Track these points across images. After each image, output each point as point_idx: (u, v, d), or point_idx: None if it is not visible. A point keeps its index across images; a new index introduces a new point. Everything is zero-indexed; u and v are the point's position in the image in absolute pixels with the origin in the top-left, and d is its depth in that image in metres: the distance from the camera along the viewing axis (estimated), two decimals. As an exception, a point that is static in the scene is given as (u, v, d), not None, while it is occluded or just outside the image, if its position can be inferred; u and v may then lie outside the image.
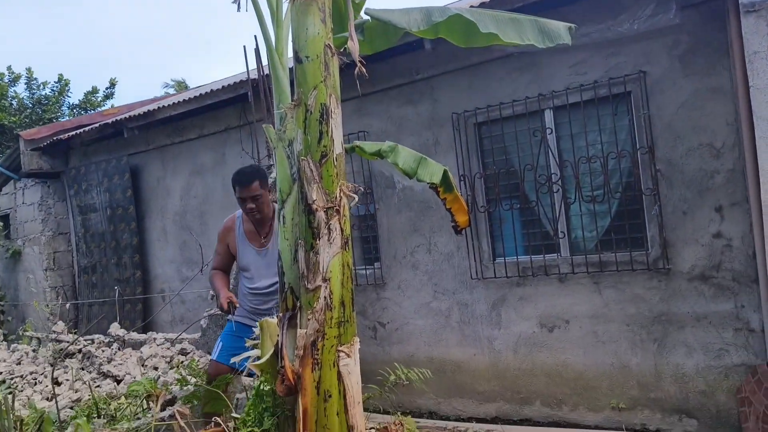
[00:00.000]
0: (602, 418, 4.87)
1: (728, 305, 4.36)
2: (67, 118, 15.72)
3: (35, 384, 6.96)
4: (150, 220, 8.43)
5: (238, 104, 6.89)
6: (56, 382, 6.76)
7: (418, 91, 5.71)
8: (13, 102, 16.58)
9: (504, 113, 5.20)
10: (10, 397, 3.74)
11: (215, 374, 3.78)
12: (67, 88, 18.04)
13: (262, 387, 2.75)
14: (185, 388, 4.45)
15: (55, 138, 9.08)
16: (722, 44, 4.29)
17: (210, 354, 4.86)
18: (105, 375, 6.70)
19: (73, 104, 18.40)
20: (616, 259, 4.76)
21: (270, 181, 3.92)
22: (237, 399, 3.85)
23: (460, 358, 5.54)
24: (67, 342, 7.53)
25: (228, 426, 2.75)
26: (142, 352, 6.83)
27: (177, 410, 2.78)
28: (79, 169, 9.30)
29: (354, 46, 2.64)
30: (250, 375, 3.85)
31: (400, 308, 5.88)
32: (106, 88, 18.96)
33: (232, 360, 3.44)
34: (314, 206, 2.55)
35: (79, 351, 7.47)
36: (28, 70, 17.52)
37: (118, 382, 6.42)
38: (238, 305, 3.82)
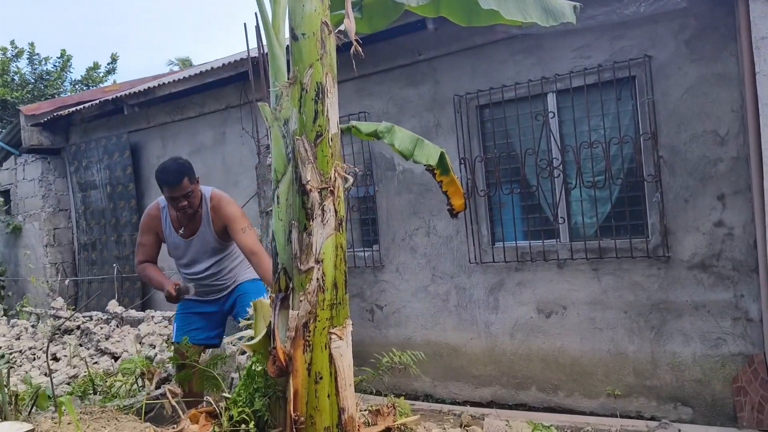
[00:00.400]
0: (597, 405, 4.86)
1: (727, 294, 4.33)
2: (69, 94, 15.64)
3: (34, 359, 6.99)
4: (150, 198, 8.40)
5: (238, 82, 6.83)
6: (54, 358, 6.79)
7: (420, 72, 5.64)
8: (15, 77, 16.50)
9: (506, 96, 5.14)
10: (5, 371, 3.73)
11: (181, 355, 3.78)
12: (69, 64, 17.94)
13: (253, 367, 2.73)
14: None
15: (55, 114, 9.03)
16: (730, 29, 4.21)
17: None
18: (103, 352, 6.72)
19: (75, 80, 18.32)
20: (615, 246, 4.72)
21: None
22: (231, 379, 3.86)
23: (456, 342, 5.54)
24: (66, 318, 7.54)
25: (219, 406, 2.73)
26: (139, 330, 6.85)
27: (168, 389, 2.77)
28: (79, 146, 9.26)
29: (350, 24, 2.59)
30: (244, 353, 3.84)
31: (397, 291, 5.86)
32: (108, 64, 18.88)
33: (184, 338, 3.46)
34: (308, 187, 2.51)
35: (78, 327, 7.49)
36: (31, 45, 17.44)
37: (116, 359, 6.44)
38: (186, 286, 3.78)
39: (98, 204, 9.08)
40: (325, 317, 2.54)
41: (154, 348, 6.33)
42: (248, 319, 3.11)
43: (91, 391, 4.70)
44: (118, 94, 8.28)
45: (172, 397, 2.73)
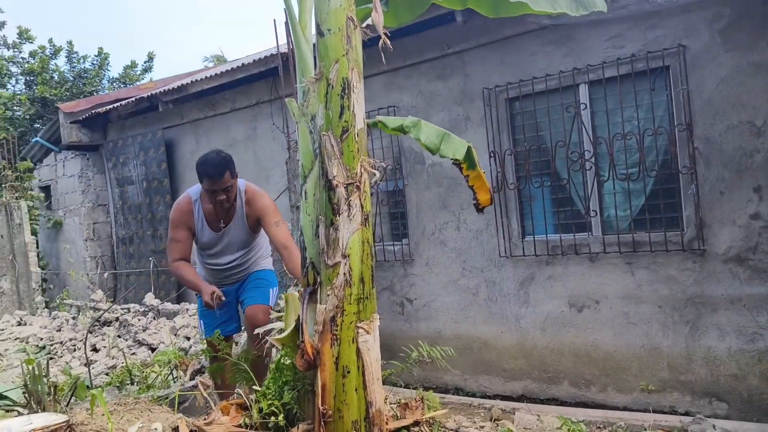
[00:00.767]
0: (631, 400, 4.80)
1: (764, 288, 4.23)
2: (107, 91, 15.97)
3: (74, 350, 7.19)
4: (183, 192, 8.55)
5: (269, 78, 6.89)
6: (94, 349, 6.98)
7: (449, 65, 5.61)
8: (54, 75, 16.90)
9: (537, 88, 5.08)
10: (44, 362, 3.86)
11: (214, 348, 3.82)
12: (106, 62, 18.30)
13: (282, 361, 2.77)
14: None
15: (93, 111, 9.25)
16: (766, 18, 4.09)
17: None
18: (140, 343, 6.89)
19: (112, 78, 18.70)
20: (649, 239, 4.64)
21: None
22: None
23: (487, 335, 5.52)
24: (104, 310, 7.74)
25: (249, 398, 2.78)
26: (174, 322, 6.99)
27: (200, 381, 2.83)
28: (116, 142, 9.47)
29: (378, 17, 2.58)
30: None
31: (427, 285, 5.86)
32: (145, 62, 19.21)
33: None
34: (334, 182, 2.53)
35: (117, 319, 7.69)
36: (69, 43, 17.83)
37: (153, 350, 6.59)
38: (223, 298, 3.69)
39: (135, 199, 9.28)
40: (353, 311, 2.56)
41: (189, 340, 6.46)
42: (279, 311, 3.15)
43: (129, 382, 4.83)
44: (153, 92, 8.44)
45: (204, 389, 2.79)
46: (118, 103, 8.98)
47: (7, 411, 3.69)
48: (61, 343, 7.50)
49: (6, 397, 4.11)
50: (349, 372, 2.55)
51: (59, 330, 8.13)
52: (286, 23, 5.88)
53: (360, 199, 2.57)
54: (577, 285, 5.02)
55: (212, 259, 3.95)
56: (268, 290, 3.98)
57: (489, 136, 5.30)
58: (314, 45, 2.75)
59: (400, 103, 5.90)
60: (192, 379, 4.16)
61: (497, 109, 5.31)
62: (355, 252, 2.56)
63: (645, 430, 4.20)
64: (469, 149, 2.72)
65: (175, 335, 6.69)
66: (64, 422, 2.25)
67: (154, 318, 7.50)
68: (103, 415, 2.30)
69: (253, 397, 2.80)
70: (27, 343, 7.78)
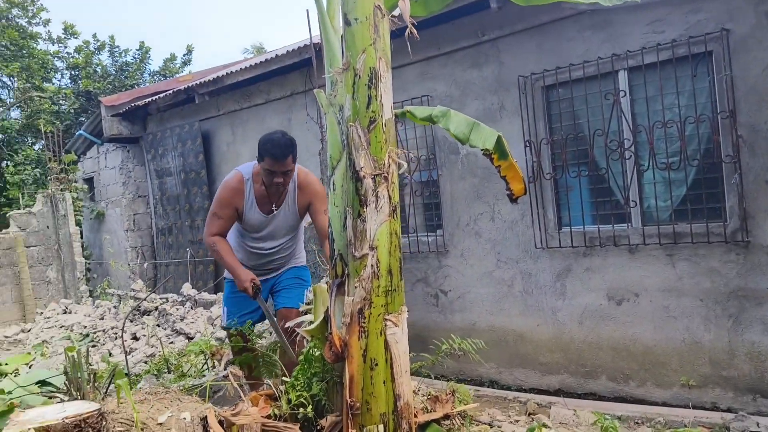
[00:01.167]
0: (671, 395, 4.68)
1: (814, 282, 4.05)
2: (147, 84, 16.27)
3: (115, 338, 7.37)
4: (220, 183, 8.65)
5: (303, 69, 6.90)
6: (135, 337, 7.14)
7: (483, 53, 5.52)
8: (98, 69, 17.28)
9: (574, 75, 4.95)
10: (84, 350, 3.95)
11: (244, 338, 3.80)
12: (147, 56, 18.63)
13: (311, 352, 2.77)
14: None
15: (132, 104, 9.42)
16: (819, -3, 3.90)
17: None
18: (178, 332, 7.01)
19: (153, 71, 19.03)
20: (691, 231, 4.49)
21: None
22: None
23: (522, 328, 5.44)
24: (141, 299, 7.91)
25: (279, 389, 2.79)
26: (211, 312, 7.09)
27: (231, 372, 2.85)
28: (155, 135, 9.63)
29: (405, 5, 2.55)
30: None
31: (462, 276, 5.80)
32: (184, 55, 19.48)
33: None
34: (362, 173, 2.51)
35: (156, 309, 7.84)
36: (111, 38, 18.19)
37: (190, 339, 6.70)
38: (260, 287, 3.61)
39: (173, 190, 9.43)
40: (380, 304, 2.54)
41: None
42: (308, 304, 3.16)
43: (166, 370, 4.92)
44: (190, 84, 8.54)
45: (235, 380, 2.81)
46: (157, 96, 9.12)
47: (51, 398, 3.80)
48: (103, 331, 7.70)
49: (50, 384, 4.24)
50: (377, 364, 2.53)
51: (102, 318, 8.34)
52: (319, 13, 5.87)
53: (388, 191, 2.55)
54: (616, 277, 4.90)
55: (256, 242, 3.84)
56: (303, 291, 3.94)
57: (524, 125, 5.19)
58: (342, 35, 2.73)
59: (434, 93, 5.83)
60: (226, 368, 4.20)
61: (533, 98, 5.21)
62: (383, 244, 2.54)
63: (685, 426, 4.09)
64: (499, 138, 2.66)
65: (212, 325, 6.78)
66: (95, 410, 2.29)
67: (192, 308, 7.62)
68: (135, 403, 2.34)
69: (282, 388, 2.81)
70: (71, 330, 8.02)
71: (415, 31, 2.57)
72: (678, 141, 4.53)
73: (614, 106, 4.79)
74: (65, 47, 18.05)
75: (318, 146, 6.65)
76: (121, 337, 3.96)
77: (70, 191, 10.72)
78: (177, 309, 7.60)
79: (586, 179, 5.06)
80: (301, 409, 2.64)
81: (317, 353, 2.74)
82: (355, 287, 2.54)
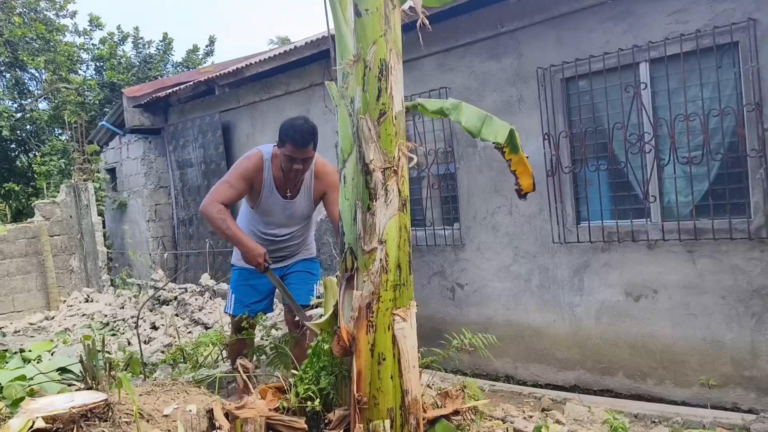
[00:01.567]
0: (690, 395, 4.59)
1: (840, 281, 3.94)
2: (170, 76, 16.36)
3: (135, 327, 7.46)
4: (240, 175, 8.68)
5: (321, 61, 6.88)
6: (154, 327, 7.21)
7: (502, 45, 5.44)
8: (122, 60, 17.41)
9: (594, 67, 4.86)
10: (100, 339, 4.00)
11: (239, 328, 3.78)
12: (171, 47, 18.72)
13: (320, 346, 2.76)
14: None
15: (153, 96, 9.49)
16: None
17: None
18: (196, 322, 7.08)
19: (176, 62, 19.12)
20: (713, 227, 4.39)
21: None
22: None
23: (539, 323, 5.38)
24: (158, 289, 7.98)
25: (288, 382, 2.79)
26: (229, 303, 7.13)
27: (240, 363, 2.85)
28: (176, 126, 9.69)
29: (417, -4, 2.50)
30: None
31: (478, 270, 5.76)
32: (206, 46, 19.54)
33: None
34: (371, 166, 2.48)
35: (175, 299, 7.92)
36: (135, 29, 18.30)
37: (208, 329, 6.75)
38: (270, 265, 3.52)
39: (194, 181, 9.50)
40: (389, 298, 2.52)
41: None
42: (318, 297, 3.15)
43: (182, 360, 4.96)
44: (210, 76, 8.57)
45: (243, 372, 2.81)
46: (178, 87, 9.18)
47: (69, 385, 3.85)
48: (123, 320, 7.80)
49: (70, 371, 4.30)
50: (384, 359, 2.51)
51: (122, 307, 8.45)
52: (337, 5, 5.84)
53: (397, 184, 2.52)
54: (635, 273, 4.82)
55: (270, 228, 3.79)
56: (313, 286, 3.92)
57: (543, 118, 5.12)
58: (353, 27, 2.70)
59: (452, 85, 5.77)
60: (234, 362, 4.22)
61: (552, 90, 5.12)
62: (392, 238, 2.52)
63: (703, 426, 4.02)
64: (511, 132, 2.62)
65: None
66: (102, 401, 2.30)
67: (210, 298, 7.68)
68: (141, 395, 2.35)
69: (291, 381, 2.80)
70: (92, 319, 8.14)
71: (427, 22, 2.53)
72: (700, 134, 4.43)
73: (635, 98, 4.70)
74: (90, 39, 18.24)
75: (335, 138, 6.63)
76: (137, 326, 3.98)
77: (93, 181, 10.85)
78: (196, 299, 7.67)
79: (605, 173, 4.98)
80: (309, 402, 2.63)
81: (326, 347, 2.73)
82: (364, 281, 2.52)
